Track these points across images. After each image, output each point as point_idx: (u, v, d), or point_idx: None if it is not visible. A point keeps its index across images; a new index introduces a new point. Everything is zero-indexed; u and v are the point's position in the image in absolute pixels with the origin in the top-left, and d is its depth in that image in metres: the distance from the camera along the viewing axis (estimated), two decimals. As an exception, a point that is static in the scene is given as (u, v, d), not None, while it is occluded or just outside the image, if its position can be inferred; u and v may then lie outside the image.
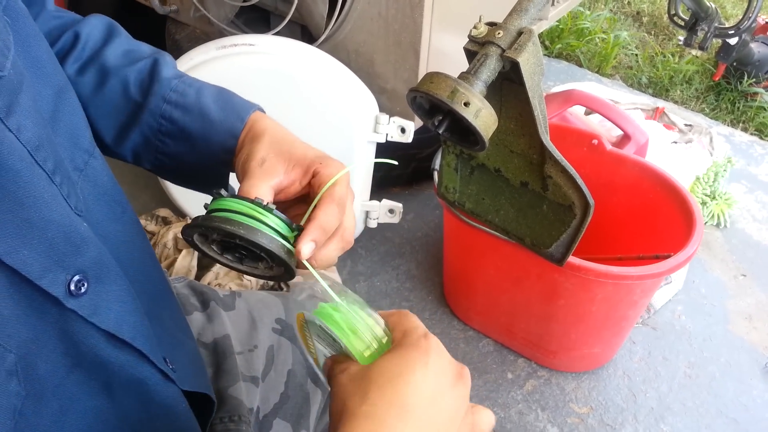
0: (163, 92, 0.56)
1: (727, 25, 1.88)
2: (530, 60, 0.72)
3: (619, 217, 1.27)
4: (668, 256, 0.99)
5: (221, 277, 1.25)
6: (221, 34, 1.33)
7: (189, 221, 0.47)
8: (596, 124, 1.54)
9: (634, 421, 1.20)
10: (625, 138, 1.37)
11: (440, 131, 0.72)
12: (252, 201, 0.46)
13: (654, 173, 1.18)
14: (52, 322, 0.40)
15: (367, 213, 1.37)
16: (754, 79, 2.16)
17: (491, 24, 0.74)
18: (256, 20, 1.42)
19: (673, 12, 1.91)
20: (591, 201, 0.85)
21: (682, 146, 1.62)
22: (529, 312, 1.16)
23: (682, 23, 1.90)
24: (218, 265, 1.27)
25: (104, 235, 0.47)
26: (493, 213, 1.01)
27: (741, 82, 2.18)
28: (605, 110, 1.35)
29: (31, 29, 0.44)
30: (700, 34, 1.88)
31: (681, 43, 1.93)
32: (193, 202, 1.36)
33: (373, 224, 1.39)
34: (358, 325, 0.47)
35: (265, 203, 0.47)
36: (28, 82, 0.41)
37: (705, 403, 1.24)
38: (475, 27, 0.74)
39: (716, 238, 1.63)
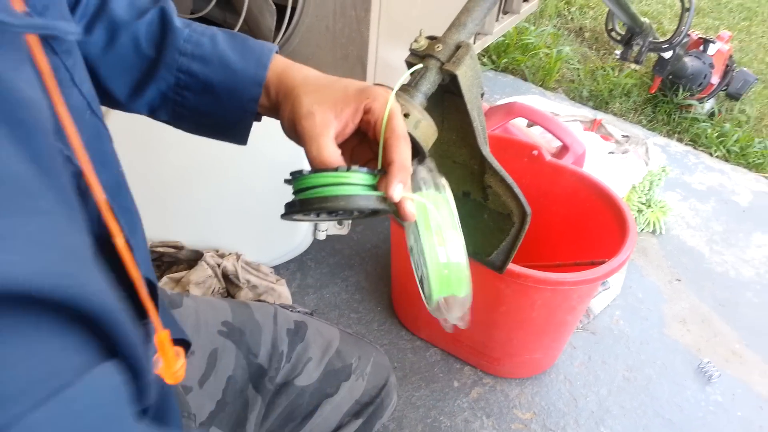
0: (177, 44, 0.54)
1: (661, 40, 1.97)
2: (468, 73, 0.74)
3: (557, 225, 1.31)
4: (603, 262, 1.03)
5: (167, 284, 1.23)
6: (166, 44, 1.32)
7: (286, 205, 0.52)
8: (537, 135, 1.59)
9: (576, 425, 1.23)
10: (564, 149, 1.41)
11: (381, 142, 0.74)
12: (335, 170, 0.49)
13: (590, 182, 1.22)
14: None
15: (315, 225, 1.38)
16: (688, 92, 2.27)
17: (431, 38, 0.76)
18: (203, 31, 1.41)
19: (610, 27, 1.99)
20: (528, 209, 0.88)
21: (618, 156, 1.68)
22: (473, 320, 1.18)
23: (619, 38, 1.98)
24: (163, 281, 1.25)
25: (119, 203, 0.47)
26: (436, 222, 1.03)
27: (676, 95, 2.28)
28: (545, 122, 1.39)
29: None
30: (636, 49, 1.96)
31: (618, 57, 2.01)
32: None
33: (322, 236, 1.40)
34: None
35: (346, 168, 0.49)
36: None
37: (642, 404, 1.28)
38: (415, 40, 0.76)
39: (652, 245, 1.70)
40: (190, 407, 0.67)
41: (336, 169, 0.49)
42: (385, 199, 0.50)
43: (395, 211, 0.52)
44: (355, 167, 0.49)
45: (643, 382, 1.33)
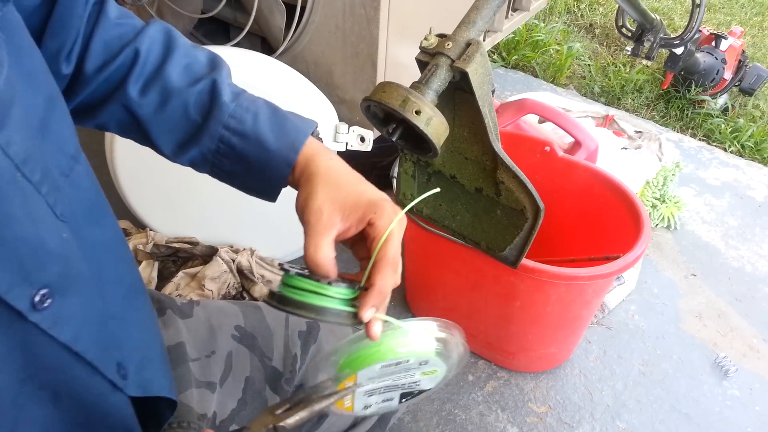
0: (222, 118, 0.58)
1: (672, 36, 1.96)
2: (479, 70, 0.75)
3: (571, 221, 1.31)
4: (618, 257, 1.04)
5: (182, 288, 1.25)
6: (180, 46, 1.34)
7: (266, 290, 0.55)
8: (549, 131, 1.59)
9: (591, 419, 1.23)
10: (576, 145, 1.41)
11: (394, 139, 0.75)
12: (317, 280, 0.52)
13: (603, 178, 1.22)
14: (13, 335, 0.41)
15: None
16: (701, 88, 2.25)
17: (441, 36, 0.77)
18: (216, 32, 1.43)
19: (621, 24, 1.98)
20: (541, 205, 0.89)
21: (631, 152, 1.68)
22: (488, 314, 1.19)
23: (630, 34, 1.98)
24: (178, 276, 1.27)
25: (83, 238, 0.48)
26: (449, 218, 1.03)
27: (689, 91, 2.27)
28: (556, 118, 1.39)
29: (25, 41, 0.46)
30: (647, 45, 1.95)
31: (629, 53, 2.01)
32: (152, 214, 1.36)
33: (334, 232, 1.40)
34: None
35: (327, 282, 0.52)
36: (20, 94, 0.42)
37: (659, 399, 1.28)
38: (425, 38, 0.77)
39: (667, 240, 1.70)
40: (212, 406, 0.69)
41: (318, 280, 0.52)
42: (356, 315, 0.53)
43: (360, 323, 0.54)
44: (336, 282, 0.52)
45: (659, 376, 1.33)
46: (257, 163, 0.60)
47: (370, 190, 0.57)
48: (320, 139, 0.64)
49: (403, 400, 0.65)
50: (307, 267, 0.54)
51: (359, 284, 0.54)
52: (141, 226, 1.38)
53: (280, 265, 0.55)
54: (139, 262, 1.24)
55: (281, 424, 0.51)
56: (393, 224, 0.54)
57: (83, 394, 0.47)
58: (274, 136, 0.59)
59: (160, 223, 1.37)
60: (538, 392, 1.27)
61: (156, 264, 1.33)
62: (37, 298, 0.41)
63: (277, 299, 0.53)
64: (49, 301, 0.42)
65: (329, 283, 0.52)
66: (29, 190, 0.41)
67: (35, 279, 0.41)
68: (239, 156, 0.60)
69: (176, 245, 1.34)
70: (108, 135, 1.23)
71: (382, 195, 0.57)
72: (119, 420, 0.52)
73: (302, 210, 0.56)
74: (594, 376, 1.31)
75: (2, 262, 0.38)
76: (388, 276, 0.53)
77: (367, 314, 0.52)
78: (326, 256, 0.53)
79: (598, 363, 1.34)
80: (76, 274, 0.45)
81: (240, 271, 1.31)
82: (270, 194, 0.64)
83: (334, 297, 0.52)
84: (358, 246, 0.58)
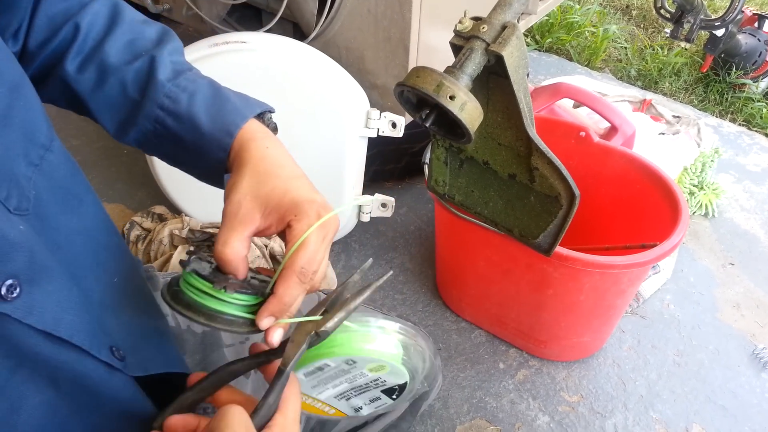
0: (156, 97, 0.56)
1: (713, 17, 1.90)
2: (514, 53, 0.74)
3: (606, 208, 1.29)
4: (654, 246, 1.01)
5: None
6: (213, 32, 1.35)
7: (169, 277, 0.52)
8: (584, 116, 1.56)
9: (624, 409, 1.22)
10: (612, 130, 1.39)
11: (427, 124, 0.74)
12: (212, 282, 0.48)
13: (640, 164, 1.20)
14: None
15: (359, 207, 1.39)
16: (741, 71, 2.18)
17: (476, 19, 0.76)
18: (248, 18, 1.43)
19: (659, 5, 1.93)
20: (576, 192, 0.87)
21: (669, 137, 1.64)
22: (520, 302, 1.18)
23: (669, 16, 1.92)
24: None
25: (56, 228, 0.48)
26: (482, 205, 1.02)
27: (729, 74, 2.20)
28: (592, 102, 1.36)
29: None
30: (686, 26, 1.90)
31: (668, 35, 1.95)
32: (188, 199, 1.38)
33: (366, 218, 1.41)
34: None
35: (225, 285, 0.48)
36: None
37: (694, 390, 1.26)
38: (460, 22, 0.76)
39: (704, 228, 1.66)
40: (245, 392, 0.69)
41: (213, 282, 0.48)
42: (253, 323, 0.50)
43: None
44: (239, 286, 0.49)
45: (694, 367, 1.30)
46: (193, 147, 0.57)
47: (298, 188, 0.53)
48: (272, 125, 0.61)
49: (394, 396, 0.64)
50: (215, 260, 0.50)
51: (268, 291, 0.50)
52: (177, 211, 1.40)
53: (188, 252, 0.51)
54: (175, 247, 1.26)
55: (322, 328, 0.50)
56: (309, 231, 0.49)
57: (81, 377, 0.48)
58: (210, 118, 0.56)
59: (196, 208, 1.38)
60: (570, 381, 1.26)
61: (191, 249, 1.35)
62: (3, 290, 0.41)
63: (171, 295, 0.50)
64: (17, 290, 0.42)
65: (225, 288, 0.48)
66: None
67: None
68: (176, 138, 0.57)
69: (211, 230, 1.35)
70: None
71: (310, 195, 0.53)
72: (125, 400, 0.52)
73: (224, 200, 0.52)
74: (627, 366, 1.30)
75: None
76: (293, 286, 0.49)
77: (264, 323, 0.49)
78: (235, 252, 0.49)
79: (631, 353, 1.33)
80: (44, 263, 0.45)
81: (273, 257, 1.32)
82: (216, 180, 0.60)
83: (232, 302, 0.49)
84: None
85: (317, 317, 0.52)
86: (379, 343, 0.59)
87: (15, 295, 0.42)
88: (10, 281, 0.41)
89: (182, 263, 0.50)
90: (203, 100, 0.57)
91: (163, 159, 0.62)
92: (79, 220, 0.52)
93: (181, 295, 0.49)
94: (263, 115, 0.60)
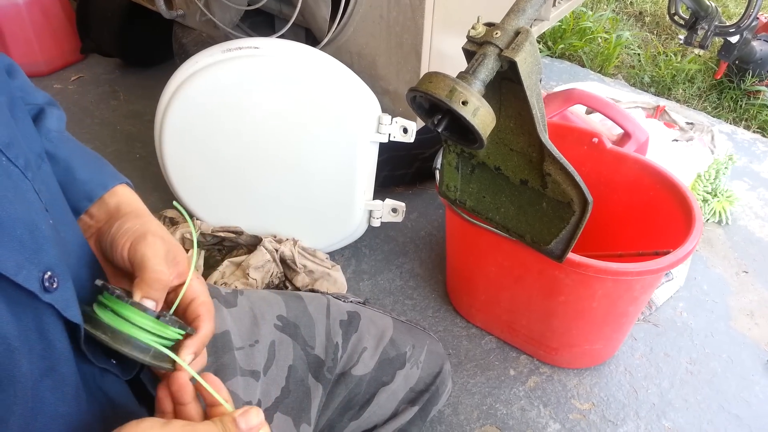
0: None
1: (727, 24, 1.88)
2: (528, 59, 0.74)
3: (619, 215, 1.28)
4: (667, 253, 1.01)
5: (227, 276, 1.27)
6: (227, 37, 1.36)
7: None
8: (597, 122, 1.55)
9: (636, 417, 1.21)
10: (626, 136, 1.38)
11: (439, 130, 0.74)
12: (125, 302, 0.47)
13: (654, 171, 1.19)
14: (31, 319, 0.41)
15: (370, 212, 1.39)
16: (756, 78, 2.17)
17: (489, 24, 0.76)
18: (261, 24, 1.44)
19: (673, 11, 1.92)
20: (589, 198, 0.87)
21: (682, 144, 1.63)
22: (531, 309, 1.17)
23: (683, 22, 1.91)
24: (224, 265, 1.29)
25: (60, 233, 0.48)
26: (493, 211, 1.02)
27: (743, 81, 2.19)
28: (605, 109, 1.36)
29: None
30: (701, 33, 1.89)
31: (681, 42, 1.94)
32: (200, 204, 1.38)
33: (376, 223, 1.41)
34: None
35: (159, 315, 0.48)
36: None
37: (707, 398, 1.25)
38: (473, 27, 0.76)
39: (718, 236, 1.64)
40: (256, 394, 0.70)
41: (127, 302, 0.47)
42: (161, 355, 0.48)
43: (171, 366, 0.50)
44: (169, 322, 0.48)
45: (707, 375, 1.29)
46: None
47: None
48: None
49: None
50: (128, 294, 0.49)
51: (166, 317, 0.49)
52: (188, 215, 1.41)
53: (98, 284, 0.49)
54: (187, 250, 1.27)
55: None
56: (186, 284, 0.53)
57: (102, 390, 0.48)
58: (88, 169, 0.58)
59: (207, 212, 1.39)
60: (582, 389, 1.25)
61: (202, 252, 1.36)
62: (45, 282, 0.41)
63: (91, 326, 0.46)
64: (56, 281, 0.42)
65: (159, 317, 0.47)
66: (16, 174, 0.41)
67: (38, 261, 0.41)
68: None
69: (222, 234, 1.36)
70: (158, 126, 1.25)
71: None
72: (120, 401, 0.53)
73: (136, 247, 0.53)
74: (639, 374, 1.29)
75: (4, 243, 0.38)
76: (212, 328, 0.52)
77: (187, 359, 0.49)
78: (165, 272, 0.51)
79: (644, 360, 1.31)
80: (65, 262, 0.45)
81: (283, 261, 1.32)
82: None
83: (143, 328, 0.47)
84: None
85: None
86: None
87: (55, 286, 0.42)
88: (49, 273, 0.42)
89: (101, 287, 0.48)
90: (83, 156, 0.59)
91: None
92: (70, 229, 0.52)
93: (87, 317, 0.47)
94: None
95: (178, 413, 0.48)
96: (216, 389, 0.49)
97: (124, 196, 0.58)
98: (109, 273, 0.56)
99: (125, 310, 0.47)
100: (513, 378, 1.26)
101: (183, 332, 0.50)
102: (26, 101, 0.58)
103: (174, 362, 0.49)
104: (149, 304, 0.49)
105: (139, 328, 0.47)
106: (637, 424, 1.20)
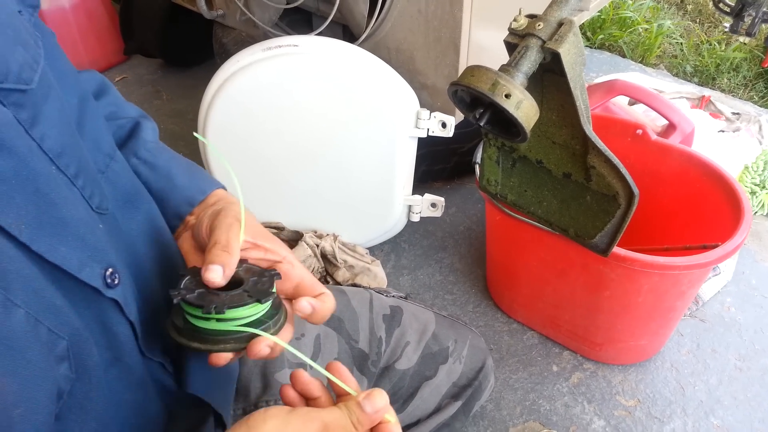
0: (136, 149, 0.60)
1: (776, 10, 1.82)
2: (571, 50, 0.73)
3: (665, 207, 1.25)
4: (716, 246, 0.98)
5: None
6: (266, 36, 1.37)
7: (172, 325, 0.48)
8: (640, 114, 1.52)
9: (683, 414, 1.18)
10: (671, 127, 1.35)
11: (481, 124, 0.73)
12: (214, 309, 0.46)
13: (700, 162, 1.16)
14: (95, 314, 0.43)
15: (409, 207, 1.39)
16: (806, 65, 2.09)
17: (531, 16, 0.75)
18: (299, 22, 1.45)
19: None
20: (636, 191, 0.85)
21: (729, 135, 1.58)
22: (574, 304, 1.16)
23: (728, 9, 1.86)
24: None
25: (120, 231, 0.50)
26: (535, 205, 1.01)
27: (792, 69, 2.12)
28: (649, 100, 1.33)
29: (55, 45, 0.48)
30: (747, 20, 1.83)
31: (727, 30, 1.88)
32: (242, 200, 1.40)
33: (415, 218, 1.41)
34: None
35: (220, 309, 0.46)
36: (56, 93, 0.44)
37: (757, 396, 1.21)
38: (515, 19, 0.75)
39: (766, 229, 1.59)
40: None
41: (216, 311, 0.45)
42: (251, 337, 0.47)
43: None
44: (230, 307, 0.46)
45: (757, 372, 1.25)
46: (157, 197, 0.60)
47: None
48: None
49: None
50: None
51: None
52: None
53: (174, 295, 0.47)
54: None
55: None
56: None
57: (159, 383, 0.50)
58: (187, 176, 0.62)
59: (249, 208, 1.41)
60: (627, 385, 1.23)
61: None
62: (108, 278, 0.43)
63: (176, 335, 0.47)
64: (117, 278, 0.44)
65: (215, 308, 0.46)
66: (64, 183, 0.42)
67: (100, 258, 0.43)
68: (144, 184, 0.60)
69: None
70: (201, 124, 1.27)
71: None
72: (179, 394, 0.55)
73: (211, 219, 0.56)
74: (686, 370, 1.26)
75: (68, 242, 0.40)
76: (233, 231, 0.55)
77: (214, 275, 0.48)
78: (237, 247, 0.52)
79: (690, 357, 1.29)
80: (119, 262, 0.46)
81: (324, 256, 1.34)
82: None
83: (240, 322, 0.47)
84: None
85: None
86: None
87: (116, 282, 0.44)
88: (110, 269, 0.43)
89: (173, 294, 0.47)
90: (182, 164, 0.63)
91: None
92: (137, 226, 0.54)
93: (182, 341, 0.47)
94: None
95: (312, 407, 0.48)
96: (342, 379, 0.48)
97: (224, 197, 0.63)
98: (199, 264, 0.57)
99: (205, 321, 0.47)
100: (556, 374, 1.25)
101: (272, 280, 0.51)
102: (120, 115, 0.62)
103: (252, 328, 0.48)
104: (215, 270, 0.48)
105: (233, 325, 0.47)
106: (684, 421, 1.17)
